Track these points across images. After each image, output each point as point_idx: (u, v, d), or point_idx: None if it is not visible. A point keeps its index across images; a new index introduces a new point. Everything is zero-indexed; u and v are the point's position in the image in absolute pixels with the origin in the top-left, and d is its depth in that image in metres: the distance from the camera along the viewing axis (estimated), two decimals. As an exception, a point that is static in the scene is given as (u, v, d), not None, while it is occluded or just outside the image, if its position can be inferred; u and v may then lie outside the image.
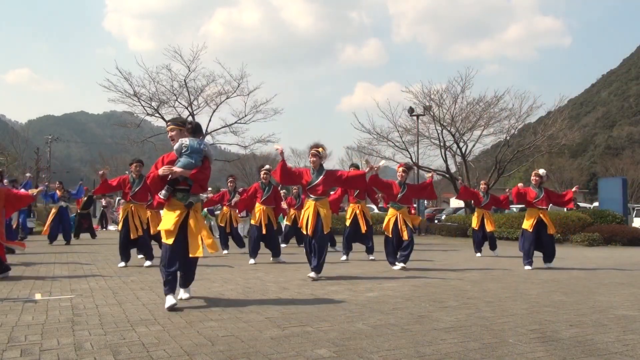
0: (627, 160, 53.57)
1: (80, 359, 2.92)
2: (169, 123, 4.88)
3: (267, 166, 9.07)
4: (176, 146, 4.50)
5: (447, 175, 23.61)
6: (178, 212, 4.48)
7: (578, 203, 21.77)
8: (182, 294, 4.75)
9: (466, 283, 6.26)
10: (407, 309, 4.47)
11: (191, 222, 4.53)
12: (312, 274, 6.34)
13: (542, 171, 8.48)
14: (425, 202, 28.80)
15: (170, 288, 4.40)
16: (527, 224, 8.23)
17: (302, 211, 6.71)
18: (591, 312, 4.49)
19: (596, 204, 23.90)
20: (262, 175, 8.74)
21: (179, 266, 4.48)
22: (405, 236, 7.58)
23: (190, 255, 4.52)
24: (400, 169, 7.96)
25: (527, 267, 8.05)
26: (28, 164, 38.55)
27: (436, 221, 26.69)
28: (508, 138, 23.28)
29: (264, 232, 8.57)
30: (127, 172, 8.36)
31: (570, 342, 3.39)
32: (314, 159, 6.53)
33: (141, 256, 8.38)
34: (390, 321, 3.94)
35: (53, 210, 13.11)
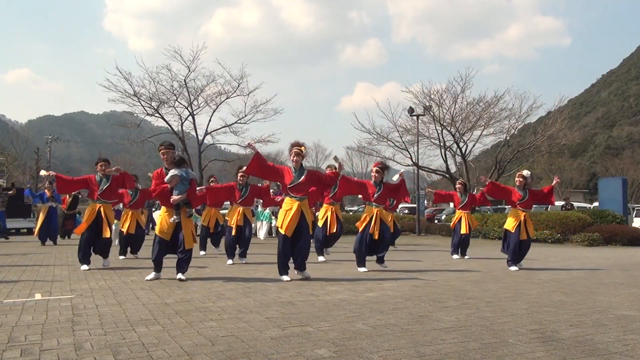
0: (627, 160, 53.63)
1: (80, 359, 2.92)
2: (161, 147, 6.32)
3: (244, 168, 8.99)
4: (167, 178, 5.92)
5: (447, 175, 23.62)
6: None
7: (572, 202, 21.70)
8: (180, 275, 6.09)
9: (466, 283, 6.26)
10: (407, 309, 4.47)
11: (183, 223, 6.09)
12: (303, 273, 6.38)
13: (526, 172, 8.33)
14: (425, 201, 28.79)
15: (157, 269, 6.19)
16: (510, 225, 8.11)
17: (284, 211, 6.38)
18: (591, 312, 4.49)
19: (596, 204, 23.92)
20: (239, 177, 8.65)
21: (164, 254, 6.15)
22: (376, 236, 7.38)
23: (187, 247, 6.07)
24: (374, 168, 7.69)
25: (514, 268, 7.98)
26: (28, 164, 38.58)
27: (436, 221, 26.70)
28: (508, 138, 23.31)
29: (234, 232, 8.53)
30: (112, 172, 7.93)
31: (570, 342, 3.39)
32: (297, 157, 6.41)
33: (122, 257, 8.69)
34: (390, 321, 3.94)
35: (42, 211, 13.10)
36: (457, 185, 10.69)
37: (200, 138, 22.87)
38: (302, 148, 6.45)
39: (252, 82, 73.07)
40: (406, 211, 29.54)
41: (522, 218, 8.07)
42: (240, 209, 8.59)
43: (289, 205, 6.34)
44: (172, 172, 5.88)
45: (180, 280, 6.00)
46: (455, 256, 10.22)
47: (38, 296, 4.99)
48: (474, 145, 23.97)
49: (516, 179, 8.33)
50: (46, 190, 13.40)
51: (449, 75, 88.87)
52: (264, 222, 16.41)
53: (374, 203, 7.51)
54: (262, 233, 16.29)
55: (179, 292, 5.30)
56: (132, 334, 3.49)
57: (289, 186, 6.38)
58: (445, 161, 23.18)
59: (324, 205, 9.31)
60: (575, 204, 24.55)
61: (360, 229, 7.52)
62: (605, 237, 15.43)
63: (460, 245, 10.32)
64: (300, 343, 3.28)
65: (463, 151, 23.07)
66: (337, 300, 4.85)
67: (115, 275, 6.66)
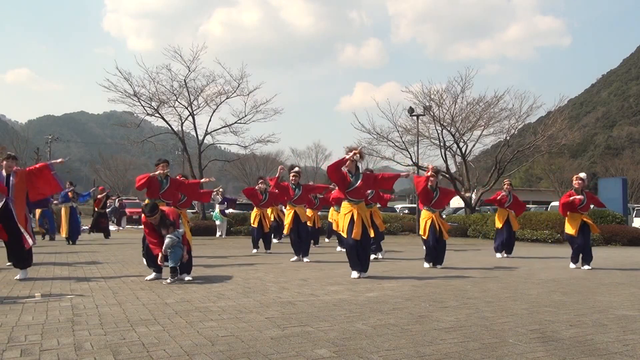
0: (627, 160, 53.61)
1: (80, 359, 2.92)
2: (143, 210, 6.21)
3: (296, 168, 9.23)
4: (166, 246, 5.89)
5: (447, 175, 23.61)
6: None
7: None
8: (185, 277, 6.09)
9: (466, 283, 6.26)
10: (407, 309, 4.47)
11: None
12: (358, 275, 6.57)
13: (583, 175, 8.40)
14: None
15: (156, 270, 6.24)
16: (572, 230, 8.21)
17: (342, 215, 6.56)
18: (591, 312, 4.49)
19: (596, 204, 23.87)
20: (291, 178, 8.89)
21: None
22: (446, 236, 7.99)
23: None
24: (431, 173, 8.06)
25: (576, 266, 8.26)
26: (28, 164, 38.56)
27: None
28: (508, 138, 23.27)
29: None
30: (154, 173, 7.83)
31: (570, 342, 3.39)
32: (351, 162, 6.54)
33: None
34: (390, 321, 3.94)
35: (64, 211, 13.19)
36: (505, 186, 10.59)
37: (200, 138, 22.84)
38: (357, 152, 6.60)
39: (252, 82, 72.92)
40: (406, 211, 29.53)
41: (582, 220, 8.22)
42: (296, 208, 8.80)
43: (348, 209, 6.52)
44: (168, 238, 5.91)
45: (188, 281, 6.01)
46: (499, 255, 10.21)
47: (38, 296, 4.99)
48: (474, 145, 23.96)
49: (575, 182, 8.32)
50: (69, 192, 13.47)
51: (449, 75, 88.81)
52: None
53: (431, 207, 7.93)
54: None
55: (179, 292, 5.30)
56: (132, 334, 3.49)
57: (347, 190, 6.53)
58: (445, 161, 23.15)
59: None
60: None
61: (426, 236, 7.93)
62: (605, 237, 15.42)
63: (507, 244, 10.36)
64: (300, 343, 3.28)
65: (463, 151, 23.05)
66: (337, 300, 4.85)
67: (115, 275, 6.66)
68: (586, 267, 8.24)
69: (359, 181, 6.52)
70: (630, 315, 4.38)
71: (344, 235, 6.59)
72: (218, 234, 17.20)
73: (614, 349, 3.25)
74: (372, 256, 9.41)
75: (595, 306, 4.78)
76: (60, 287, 5.63)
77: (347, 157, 6.42)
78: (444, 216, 27.61)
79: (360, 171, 6.70)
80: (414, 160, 22.86)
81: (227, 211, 17.75)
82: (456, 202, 33.87)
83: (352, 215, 6.49)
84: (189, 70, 21.41)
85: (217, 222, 17.44)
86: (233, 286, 5.74)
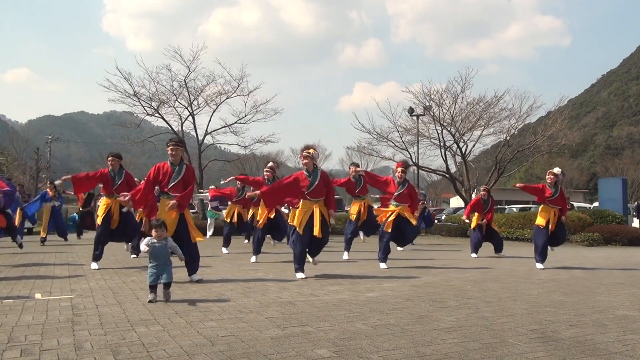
0: (627, 160, 53.71)
1: (80, 359, 2.92)
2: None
3: (270, 163, 9.33)
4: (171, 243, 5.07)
5: (447, 176, 23.60)
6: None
7: (572, 202, 21.74)
8: (195, 277, 6.04)
9: (466, 283, 6.26)
10: (407, 309, 4.47)
11: (186, 216, 6.07)
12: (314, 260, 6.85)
13: (557, 170, 8.45)
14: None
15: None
16: (541, 221, 8.19)
17: (301, 212, 6.58)
18: (591, 312, 4.49)
19: (596, 204, 23.89)
20: (265, 173, 9.00)
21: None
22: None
23: (193, 241, 6.03)
24: (399, 168, 8.10)
25: (539, 266, 8.04)
26: (28, 163, 38.54)
27: (436, 221, 26.66)
28: (508, 138, 23.27)
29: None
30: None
31: (570, 342, 3.39)
32: (306, 160, 6.53)
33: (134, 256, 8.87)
34: (390, 321, 3.94)
35: (46, 211, 13.08)
36: (482, 192, 10.76)
37: (200, 138, 22.85)
38: (311, 150, 6.58)
39: (252, 82, 72.80)
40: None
41: (552, 214, 8.24)
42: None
43: (307, 207, 6.53)
44: (155, 245, 4.85)
45: (199, 281, 5.95)
46: (474, 255, 10.45)
47: (38, 296, 4.99)
48: (474, 145, 23.96)
49: (547, 176, 8.47)
50: (48, 190, 13.42)
51: (449, 75, 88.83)
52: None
53: (394, 202, 7.94)
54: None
55: (179, 292, 5.30)
56: (132, 334, 3.49)
57: (307, 192, 6.52)
58: (445, 161, 23.16)
59: (354, 200, 9.54)
60: (576, 204, 24.53)
61: (387, 228, 7.89)
62: (605, 237, 15.42)
63: (494, 244, 10.72)
64: (300, 343, 3.28)
65: (463, 151, 23.05)
66: (337, 300, 4.85)
67: (115, 275, 6.66)
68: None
69: (317, 181, 6.50)
70: (630, 315, 4.38)
71: (299, 231, 6.44)
72: (209, 233, 17.00)
73: (614, 349, 3.26)
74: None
75: (595, 306, 4.78)
76: (60, 287, 5.63)
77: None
78: (443, 217, 27.66)
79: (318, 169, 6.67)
80: (414, 160, 22.86)
81: (221, 208, 17.61)
82: (456, 202, 33.88)
83: (312, 213, 6.47)
84: (189, 70, 21.42)
85: (208, 221, 17.32)
86: (233, 286, 5.74)
